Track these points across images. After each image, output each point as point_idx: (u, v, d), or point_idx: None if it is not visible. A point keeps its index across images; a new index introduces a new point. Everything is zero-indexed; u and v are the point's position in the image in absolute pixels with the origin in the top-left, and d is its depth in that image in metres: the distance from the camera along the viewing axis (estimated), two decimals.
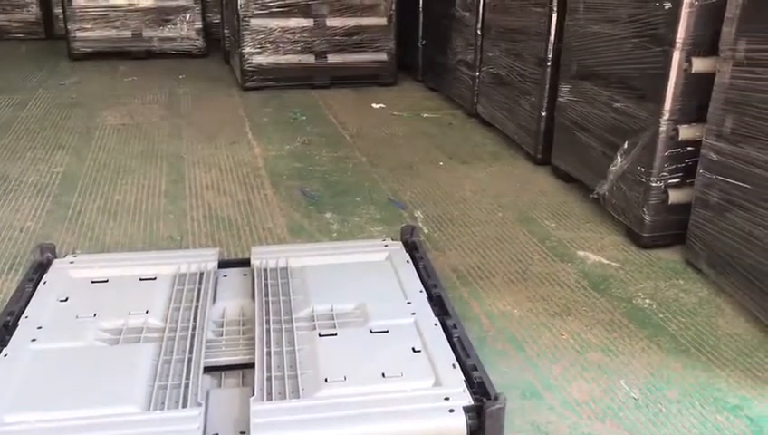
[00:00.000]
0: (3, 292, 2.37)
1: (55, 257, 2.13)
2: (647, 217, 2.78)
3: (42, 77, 5.56)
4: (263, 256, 2.14)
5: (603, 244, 2.88)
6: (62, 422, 1.47)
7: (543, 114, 3.63)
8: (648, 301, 2.47)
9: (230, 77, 5.62)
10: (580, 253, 2.80)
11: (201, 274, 2.06)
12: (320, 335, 1.79)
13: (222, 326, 1.91)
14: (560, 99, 3.46)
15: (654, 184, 2.74)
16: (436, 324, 1.84)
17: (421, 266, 2.13)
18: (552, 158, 3.59)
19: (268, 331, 1.80)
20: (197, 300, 1.93)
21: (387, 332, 1.81)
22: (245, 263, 2.16)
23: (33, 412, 1.49)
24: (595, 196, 3.10)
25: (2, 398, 1.52)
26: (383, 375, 1.64)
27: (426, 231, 2.95)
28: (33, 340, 1.73)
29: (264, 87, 5.21)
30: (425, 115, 4.72)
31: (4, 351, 1.68)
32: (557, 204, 3.27)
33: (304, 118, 4.59)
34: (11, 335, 1.75)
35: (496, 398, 1.53)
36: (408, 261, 2.16)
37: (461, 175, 3.62)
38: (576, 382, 2.04)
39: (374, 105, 4.92)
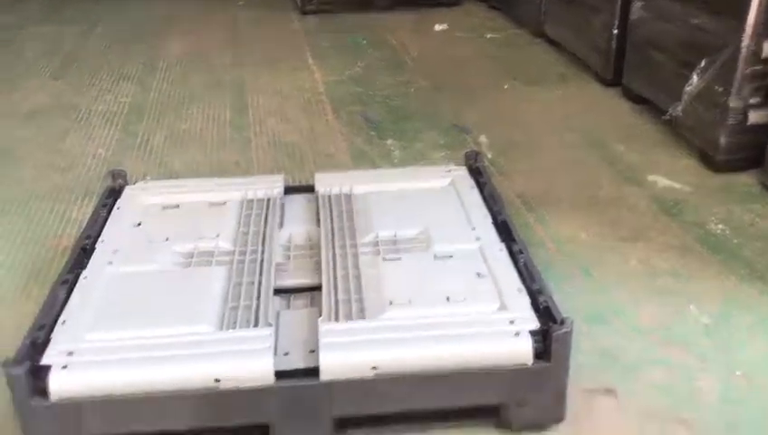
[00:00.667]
0: (79, 218, 2.46)
1: (127, 184, 2.19)
2: (722, 139, 2.67)
3: (100, 11, 5.60)
4: (327, 183, 2.15)
5: (675, 168, 2.78)
6: (140, 340, 1.53)
7: (615, 33, 3.47)
8: (721, 226, 2.39)
9: (289, 2, 5.55)
10: (651, 177, 2.72)
11: (268, 199, 2.09)
12: (384, 260, 1.80)
13: (289, 250, 1.94)
14: (632, 16, 3.30)
15: (732, 104, 2.61)
16: (501, 250, 1.83)
17: (486, 192, 2.10)
18: (622, 79, 3.45)
19: (334, 255, 1.82)
20: (265, 225, 1.96)
21: (451, 257, 1.81)
22: (310, 189, 2.18)
23: (112, 331, 1.56)
24: (668, 117, 2.98)
25: (82, 317, 1.60)
26: (447, 299, 1.64)
27: (490, 156, 2.90)
28: (110, 263, 1.80)
29: (324, 11, 5.14)
30: (489, 36, 4.58)
31: (84, 273, 1.75)
32: (627, 126, 3.16)
33: (365, 42, 4.52)
34: (89, 259, 1.82)
35: (563, 322, 1.52)
36: (472, 187, 2.13)
37: (527, 98, 3.53)
38: (644, 307, 2.01)
39: (436, 27, 4.79)
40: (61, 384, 1.43)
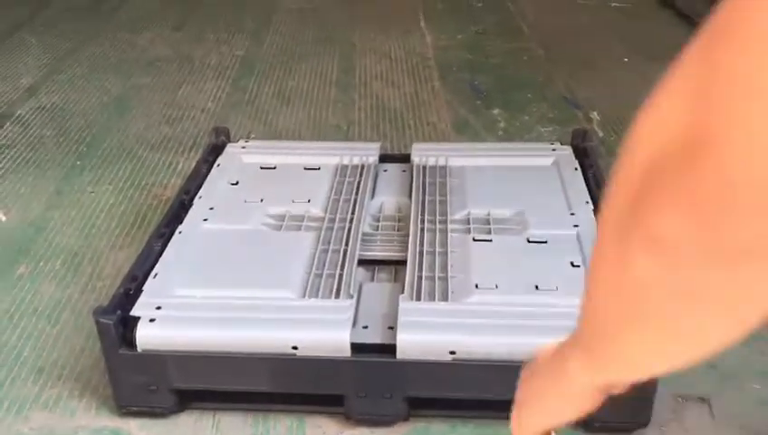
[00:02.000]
0: (184, 169, 2.54)
1: (229, 141, 2.22)
2: None
3: None
4: (423, 153, 2.10)
5: None
6: (226, 301, 1.56)
7: None
8: None
9: None
10: None
11: (362, 167, 2.07)
12: (474, 240, 1.75)
13: (378, 221, 1.92)
14: None
15: None
16: None
17: (590, 175, 2.00)
18: None
19: (423, 230, 1.79)
20: (357, 193, 1.95)
21: (545, 242, 1.74)
22: (406, 159, 2.14)
23: (201, 289, 1.60)
24: None
25: (174, 272, 1.64)
26: (536, 287, 1.58)
27: (601, 135, 2.76)
28: (205, 220, 1.84)
29: None
30: (614, 5, 4.35)
31: (180, 228, 1.80)
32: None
33: (480, 5, 4.39)
34: (186, 213, 1.86)
35: None
36: (576, 168, 2.03)
37: (647, 74, 3.32)
38: None
39: None
40: (147, 336, 1.49)
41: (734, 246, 0.37)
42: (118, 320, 1.47)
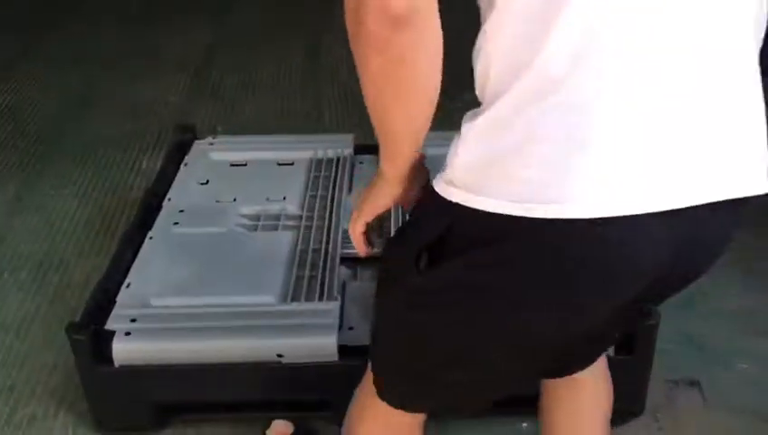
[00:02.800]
0: (149, 169, 2.45)
1: (196, 137, 2.14)
2: None
3: None
4: None
5: None
6: (203, 309, 1.50)
7: None
8: None
9: None
10: None
11: (337, 160, 2.01)
12: None
13: None
14: None
15: None
16: None
17: None
18: None
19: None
20: (333, 188, 1.89)
21: None
22: None
23: (176, 298, 1.53)
24: None
25: (149, 281, 1.57)
26: None
27: None
28: (176, 223, 1.76)
29: None
30: None
31: (150, 233, 1.73)
32: None
33: None
34: (155, 218, 1.79)
35: (649, 313, 1.41)
36: None
37: None
38: (735, 291, 1.87)
39: None
40: (124, 351, 1.42)
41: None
42: (91, 335, 1.40)
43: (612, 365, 1.40)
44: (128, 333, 1.44)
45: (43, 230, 2.18)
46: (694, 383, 1.61)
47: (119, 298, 1.52)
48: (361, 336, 1.48)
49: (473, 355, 0.87)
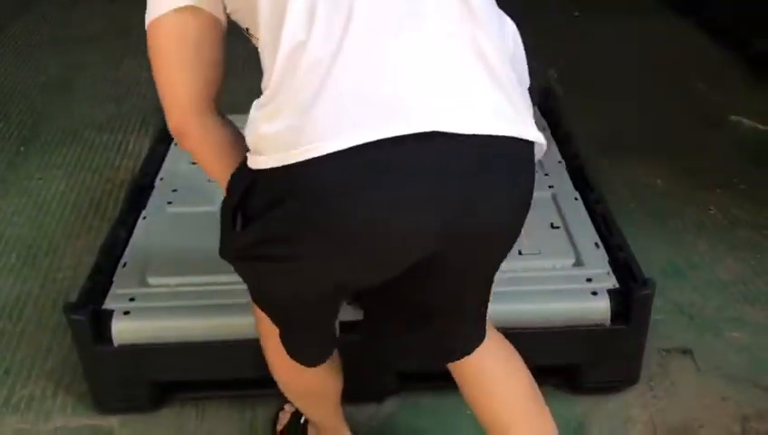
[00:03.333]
0: (136, 150, 2.43)
1: None
2: None
3: None
4: None
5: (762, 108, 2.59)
6: (201, 287, 1.49)
7: None
8: None
9: None
10: (733, 117, 2.54)
11: None
12: None
13: None
14: None
15: None
16: (576, 199, 1.72)
17: (560, 134, 1.98)
18: (701, 6, 3.20)
19: None
20: None
21: None
22: None
23: (173, 276, 1.52)
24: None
25: (145, 261, 1.56)
26: (519, 253, 1.55)
27: (561, 94, 2.74)
28: (170, 202, 1.75)
29: None
30: None
31: (144, 213, 1.71)
32: (713, 63, 2.95)
33: None
34: (147, 197, 1.77)
35: (644, 282, 1.43)
36: (544, 128, 2.01)
37: (600, 28, 3.31)
38: (724, 261, 1.90)
39: None
40: (123, 330, 1.41)
41: None
42: (90, 315, 1.39)
43: (609, 335, 1.45)
44: (126, 313, 1.43)
45: (31, 213, 2.15)
46: (686, 352, 1.64)
47: (116, 278, 1.51)
48: (357, 312, 1.49)
49: (287, 301, 0.99)
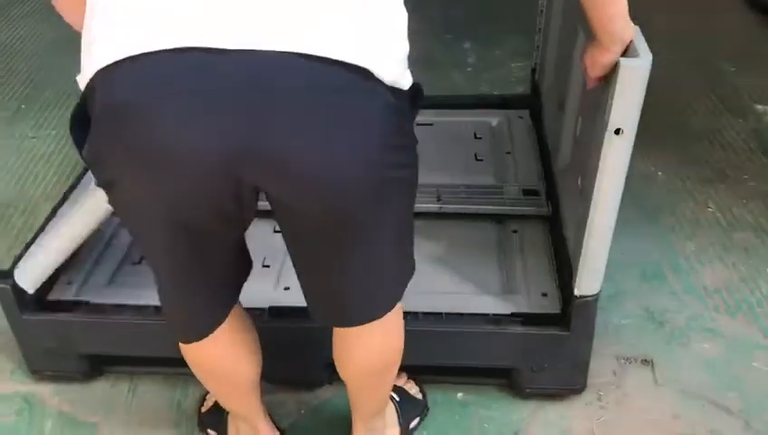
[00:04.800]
0: None
1: None
2: None
3: None
4: None
5: None
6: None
7: None
8: None
9: None
10: (759, 107, 2.36)
11: None
12: None
13: None
14: None
15: None
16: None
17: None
18: None
19: None
20: None
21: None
22: None
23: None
24: None
25: None
26: None
27: None
28: None
29: None
30: None
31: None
32: (747, 43, 2.73)
33: None
34: None
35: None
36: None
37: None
38: (711, 266, 1.76)
39: None
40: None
41: None
42: (15, 284, 1.39)
43: (550, 341, 1.36)
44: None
45: (17, 172, 2.18)
46: (647, 362, 1.53)
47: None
48: (297, 296, 1.44)
49: (146, 246, 0.97)
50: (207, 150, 0.77)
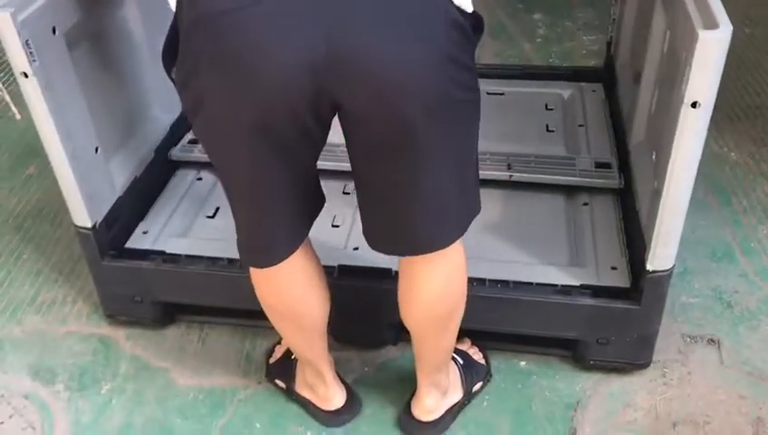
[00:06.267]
0: None
1: None
2: None
3: None
4: None
5: None
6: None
7: None
8: None
9: None
10: None
11: None
12: None
13: None
14: None
15: None
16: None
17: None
18: None
19: None
20: None
21: None
22: None
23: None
24: None
25: None
26: None
27: None
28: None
29: None
30: None
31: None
32: None
33: None
34: None
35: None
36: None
37: None
38: None
39: None
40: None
41: None
42: (97, 228, 1.44)
43: (619, 314, 1.36)
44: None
45: None
46: (713, 341, 1.52)
47: None
48: (366, 257, 1.46)
49: (224, 161, 0.99)
50: (293, 58, 0.82)
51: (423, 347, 1.25)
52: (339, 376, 1.39)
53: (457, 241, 1.07)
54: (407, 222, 1.02)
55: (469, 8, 0.89)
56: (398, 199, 0.99)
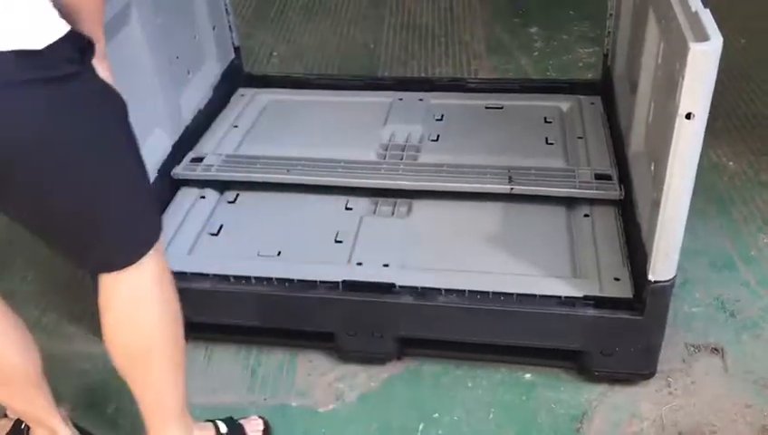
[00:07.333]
0: None
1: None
2: None
3: None
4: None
5: None
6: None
7: None
8: None
9: None
10: None
11: None
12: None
13: (386, 150, 1.82)
14: None
15: None
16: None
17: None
18: None
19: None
20: None
21: None
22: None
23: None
24: None
25: None
26: None
27: None
28: None
29: None
30: None
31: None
32: None
33: None
34: None
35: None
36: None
37: None
38: None
39: None
40: None
41: None
42: None
43: (623, 325, 1.36)
44: None
45: None
46: (717, 350, 1.52)
47: None
48: (369, 272, 1.47)
49: None
50: None
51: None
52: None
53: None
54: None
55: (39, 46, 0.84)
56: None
